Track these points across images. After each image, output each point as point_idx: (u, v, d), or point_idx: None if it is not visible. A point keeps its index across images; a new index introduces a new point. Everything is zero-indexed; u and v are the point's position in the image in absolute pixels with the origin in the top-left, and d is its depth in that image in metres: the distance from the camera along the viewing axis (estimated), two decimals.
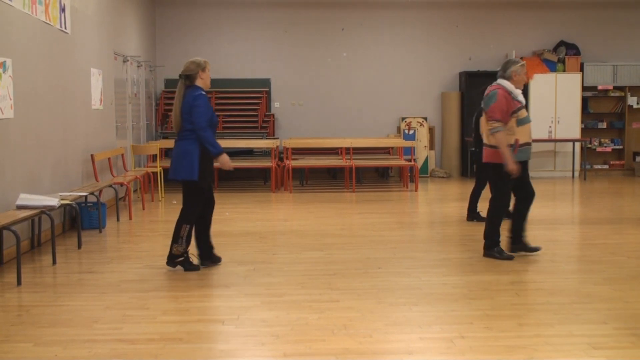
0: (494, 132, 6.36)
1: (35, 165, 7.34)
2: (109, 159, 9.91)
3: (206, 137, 6.00)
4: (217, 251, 6.37)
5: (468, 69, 14.51)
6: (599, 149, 14.70)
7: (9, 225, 5.82)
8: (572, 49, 14.48)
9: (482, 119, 6.69)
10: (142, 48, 12.94)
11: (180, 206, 6.18)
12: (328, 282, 5.71)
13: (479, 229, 8.24)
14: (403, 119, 14.46)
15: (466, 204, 8.98)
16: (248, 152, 13.67)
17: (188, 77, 6.15)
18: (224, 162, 6.16)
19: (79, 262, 6.73)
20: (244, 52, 14.39)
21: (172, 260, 6.12)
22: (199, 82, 6.14)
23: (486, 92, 6.57)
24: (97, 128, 9.68)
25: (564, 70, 14.31)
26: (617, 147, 14.76)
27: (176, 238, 6.08)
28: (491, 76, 14.11)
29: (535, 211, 9.47)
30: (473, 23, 14.68)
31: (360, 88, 14.60)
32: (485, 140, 6.59)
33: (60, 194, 7.33)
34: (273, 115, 14.15)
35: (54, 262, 6.49)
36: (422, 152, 14.30)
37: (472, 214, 8.80)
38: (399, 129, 14.50)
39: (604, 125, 14.70)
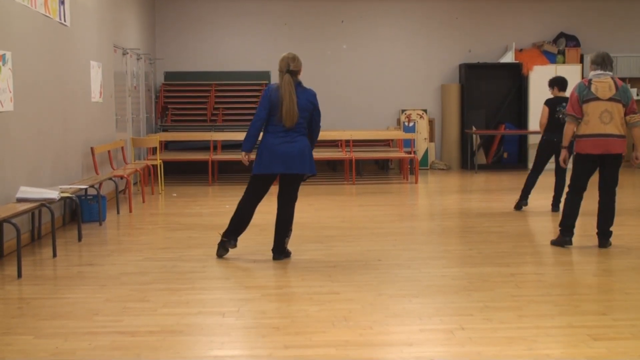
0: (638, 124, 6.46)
1: (35, 158, 7.34)
2: (109, 151, 9.90)
3: (317, 136, 6.29)
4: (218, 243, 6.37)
5: (468, 61, 14.49)
6: None
7: (9, 218, 5.82)
8: (572, 40, 14.45)
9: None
10: (142, 41, 12.92)
11: (255, 200, 6.33)
12: (328, 274, 5.71)
13: (479, 221, 8.26)
14: (403, 111, 14.45)
15: (467, 196, 8.99)
16: None
17: (295, 73, 6.11)
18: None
19: (79, 254, 6.74)
20: (244, 44, 14.37)
21: (282, 252, 6.22)
22: (299, 79, 6.17)
23: (614, 85, 6.44)
24: (97, 121, 9.68)
25: (564, 62, 14.29)
26: None
27: (289, 232, 6.22)
28: (491, 68, 14.38)
29: (536, 203, 9.49)
30: (473, 15, 14.65)
31: (360, 80, 14.58)
32: (616, 131, 6.42)
33: (61, 186, 7.33)
34: None
35: (54, 255, 6.49)
36: (422, 144, 14.30)
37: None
38: (398, 121, 14.49)
39: None
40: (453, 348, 4.01)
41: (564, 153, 6.80)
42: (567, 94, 8.79)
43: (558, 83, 8.88)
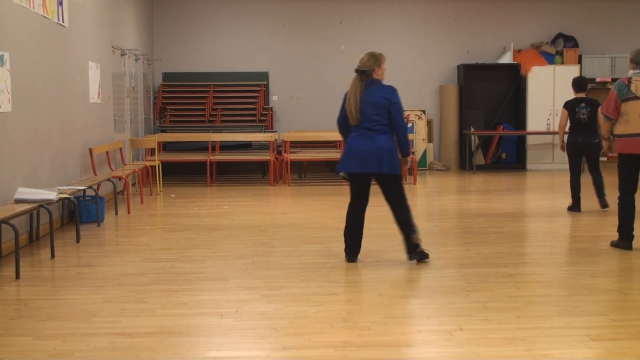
0: None
1: (34, 159, 7.33)
2: (107, 152, 9.90)
3: (406, 136, 6.00)
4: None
5: (466, 61, 14.49)
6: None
7: (7, 219, 5.81)
8: (570, 41, 14.46)
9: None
10: (140, 41, 12.91)
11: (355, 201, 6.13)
12: (327, 275, 5.71)
13: (477, 222, 8.26)
14: None
15: (466, 197, 8.98)
16: (246, 146, 13.67)
17: (364, 72, 5.93)
18: (408, 164, 6.17)
19: (78, 255, 6.73)
20: (242, 45, 14.37)
21: (414, 251, 6.02)
22: (374, 77, 5.98)
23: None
24: (96, 122, 9.67)
25: (562, 63, 14.30)
26: None
27: (410, 228, 5.99)
28: (490, 69, 14.38)
29: (535, 203, 9.50)
30: (471, 16, 14.66)
31: None
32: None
33: (59, 187, 7.33)
34: (271, 108, 14.13)
35: (53, 256, 6.48)
36: (421, 145, 14.30)
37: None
38: None
39: None
40: (452, 349, 4.01)
41: (606, 144, 6.69)
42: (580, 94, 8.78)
43: (574, 84, 8.84)
